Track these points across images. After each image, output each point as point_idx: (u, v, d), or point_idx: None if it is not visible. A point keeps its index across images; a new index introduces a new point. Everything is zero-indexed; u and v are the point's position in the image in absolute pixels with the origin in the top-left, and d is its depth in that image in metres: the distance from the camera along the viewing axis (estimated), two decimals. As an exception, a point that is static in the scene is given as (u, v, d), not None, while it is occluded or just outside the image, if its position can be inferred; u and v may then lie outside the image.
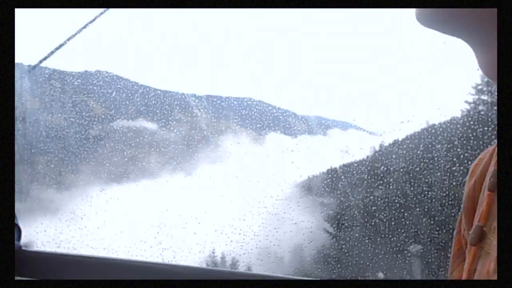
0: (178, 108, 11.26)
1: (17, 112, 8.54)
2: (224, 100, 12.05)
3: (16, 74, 9.18)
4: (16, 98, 9.10)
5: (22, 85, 8.81)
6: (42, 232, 7.61)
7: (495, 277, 0.46)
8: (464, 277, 0.56)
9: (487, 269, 0.49)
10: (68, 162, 8.58)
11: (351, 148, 8.59)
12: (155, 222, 7.96)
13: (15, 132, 8.20)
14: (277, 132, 10.53)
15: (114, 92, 9.63)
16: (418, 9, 0.56)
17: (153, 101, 11.17)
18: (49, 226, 7.80)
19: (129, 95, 10.71)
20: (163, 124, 10.78)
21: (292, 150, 9.30)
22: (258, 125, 10.43)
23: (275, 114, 10.71)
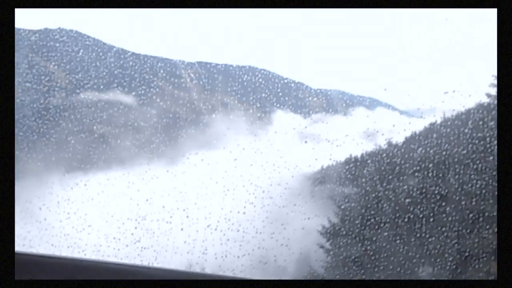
0: (162, 76, 11.16)
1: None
2: (220, 68, 11.96)
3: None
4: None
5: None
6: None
7: None
8: None
9: None
10: (22, 138, 8.51)
11: (380, 128, 8.55)
12: (132, 215, 7.88)
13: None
14: (286, 109, 10.49)
15: (81, 52, 9.54)
16: None
17: (130, 67, 11.07)
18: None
19: (100, 58, 10.61)
20: (142, 96, 10.69)
21: (304, 129, 9.27)
22: (262, 100, 10.36)
23: (284, 87, 10.64)
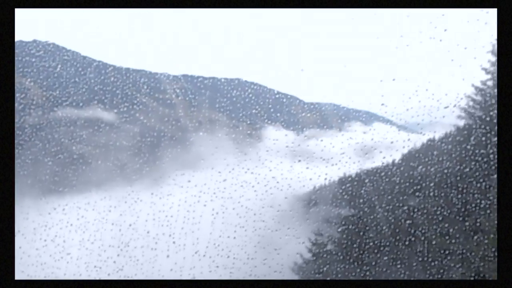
0: (145, 91, 11.15)
1: None
2: (207, 83, 12.00)
3: None
4: None
5: None
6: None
7: None
8: None
9: None
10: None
11: (377, 145, 8.57)
12: (115, 241, 7.84)
13: None
14: (277, 126, 10.50)
15: (59, 67, 9.54)
16: None
17: (111, 83, 11.04)
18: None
19: (79, 73, 10.60)
20: (124, 113, 10.67)
21: (297, 147, 9.29)
22: (252, 116, 10.37)
23: (275, 102, 10.67)
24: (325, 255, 7.66)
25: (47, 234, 7.56)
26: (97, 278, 7.51)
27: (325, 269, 7.20)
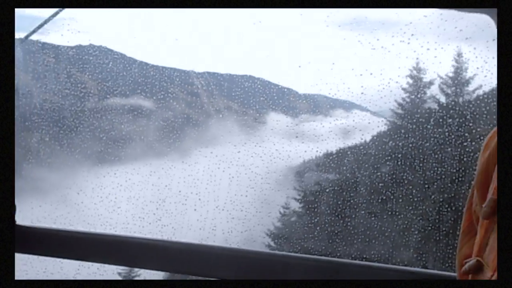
0: (176, 84, 11.10)
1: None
2: (223, 77, 11.91)
3: (18, 50, 9.02)
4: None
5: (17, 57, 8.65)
6: (37, 207, 7.54)
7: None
8: (474, 251, 0.56)
9: None
10: (63, 136, 8.47)
11: (356, 125, 8.54)
12: (154, 198, 7.90)
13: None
14: (278, 111, 10.44)
15: (110, 64, 9.48)
16: None
17: (150, 77, 11.00)
18: (44, 201, 7.73)
19: (125, 70, 10.54)
20: (161, 100, 10.64)
21: (295, 127, 9.25)
22: (259, 103, 10.32)
23: (277, 92, 10.60)
24: (313, 208, 7.63)
25: (103, 193, 7.55)
26: (141, 226, 7.52)
27: (316, 219, 7.19)
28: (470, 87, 6.10)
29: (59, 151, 8.60)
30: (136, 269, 8.31)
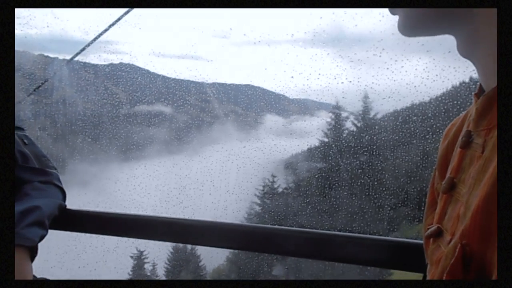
0: (191, 93, 11.01)
1: (57, 95, 8.25)
2: (229, 87, 11.84)
3: (54, 66, 8.86)
4: (56, 83, 8.80)
5: (61, 74, 8.51)
6: (83, 195, 7.42)
7: (464, 221, 0.42)
8: (435, 219, 0.52)
9: (457, 212, 0.46)
10: (102, 137, 8.34)
11: (339, 124, 8.47)
12: (177, 185, 7.80)
13: (57, 112, 7.90)
14: (273, 113, 10.37)
15: (138, 79, 9.37)
16: (400, 21, 0.50)
17: (171, 88, 10.90)
18: (88, 190, 7.60)
19: (150, 83, 10.43)
20: (179, 107, 10.54)
21: (288, 126, 9.17)
22: (259, 107, 10.25)
23: (272, 98, 10.52)
24: (304, 191, 7.53)
25: (135, 182, 7.43)
26: (167, 208, 7.38)
27: (307, 200, 7.08)
28: (431, 91, 6.03)
29: (99, 149, 8.47)
30: (145, 253, 8.15)
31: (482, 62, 0.47)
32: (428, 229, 0.51)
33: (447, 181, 0.49)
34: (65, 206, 1.34)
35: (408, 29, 0.50)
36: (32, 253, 1.10)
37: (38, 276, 1.36)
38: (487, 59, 0.45)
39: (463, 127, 0.55)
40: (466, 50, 0.48)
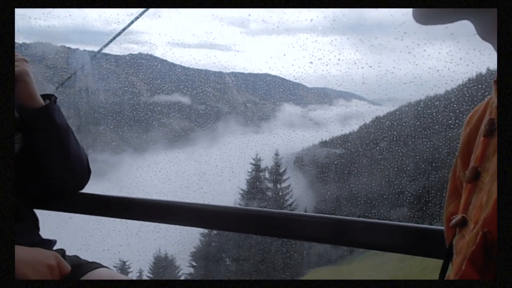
0: (209, 83, 11.02)
1: (81, 84, 8.41)
2: (246, 76, 11.80)
3: (77, 57, 9.01)
4: (79, 72, 8.96)
5: (84, 64, 8.66)
6: (106, 180, 7.61)
7: (486, 209, 0.40)
8: (460, 209, 0.49)
9: (480, 201, 0.43)
10: (123, 124, 8.49)
11: (358, 111, 8.34)
12: (197, 171, 7.89)
13: (80, 101, 8.06)
14: (290, 102, 10.29)
15: (159, 67, 9.44)
16: (415, 10, 0.46)
17: (188, 77, 10.95)
18: (111, 175, 7.78)
19: (169, 71, 10.49)
20: (195, 96, 10.59)
21: (304, 115, 9.10)
22: (276, 96, 10.19)
23: (289, 87, 10.41)
24: (323, 177, 7.48)
25: (156, 168, 7.56)
26: (187, 194, 7.47)
27: (326, 186, 7.04)
28: (454, 75, 5.83)
29: (120, 136, 8.62)
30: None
31: None
32: (453, 218, 0.50)
33: (471, 170, 0.48)
34: (90, 171, 1.38)
35: (424, 16, 0.48)
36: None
37: (71, 254, 1.41)
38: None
39: (485, 114, 0.53)
40: (488, 33, 0.45)
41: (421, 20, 0.49)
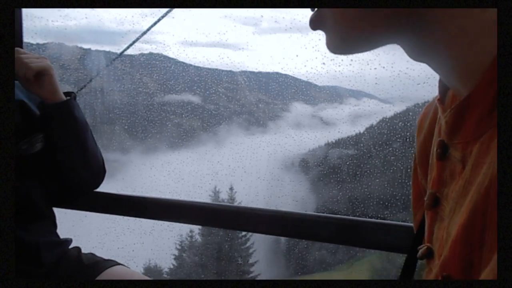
0: (224, 81, 11.06)
1: (96, 84, 8.53)
2: (256, 75, 11.78)
3: (92, 57, 9.14)
4: (94, 73, 9.09)
5: (99, 65, 8.78)
6: (121, 180, 7.70)
7: (445, 248, 0.38)
8: (425, 238, 0.48)
9: (442, 234, 0.41)
10: (138, 124, 8.58)
11: (370, 111, 8.25)
12: (209, 171, 7.93)
13: (95, 101, 8.18)
14: (300, 101, 10.25)
15: (172, 68, 9.50)
16: (329, 38, 0.42)
17: (200, 77, 11.00)
18: (125, 175, 7.87)
19: (184, 70, 10.55)
20: (207, 96, 10.63)
21: (314, 114, 9.06)
22: (286, 95, 10.15)
23: (299, 86, 10.36)
24: (336, 178, 7.43)
25: (169, 167, 7.63)
26: (200, 193, 7.50)
27: (338, 186, 6.99)
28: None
29: (135, 135, 8.72)
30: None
31: (443, 63, 0.40)
32: (419, 249, 0.47)
33: (429, 197, 0.45)
34: (105, 170, 1.40)
35: (338, 45, 0.42)
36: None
37: (86, 251, 1.43)
38: (449, 59, 0.39)
39: (436, 118, 0.49)
40: (420, 55, 0.41)
41: (336, 50, 0.43)
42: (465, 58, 0.38)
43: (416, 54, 0.41)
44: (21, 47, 1.41)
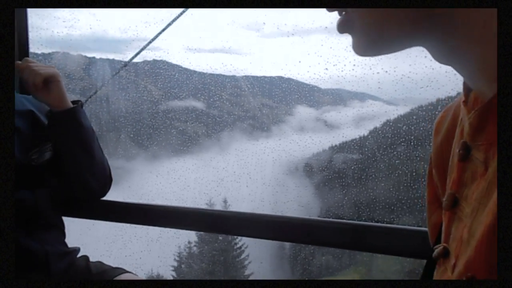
0: (228, 87, 11.09)
1: (101, 94, 8.60)
2: (265, 79, 11.81)
3: (97, 66, 9.22)
4: (99, 83, 9.17)
5: (104, 73, 8.86)
6: (127, 188, 7.74)
7: (468, 249, 0.38)
8: (442, 238, 0.47)
9: (461, 234, 0.41)
10: (143, 132, 8.62)
11: (374, 114, 8.23)
12: (215, 178, 7.95)
13: (101, 110, 8.25)
14: (304, 105, 10.24)
15: (176, 75, 9.56)
16: (355, 40, 0.42)
17: (205, 83, 11.05)
18: (131, 183, 7.91)
19: (186, 78, 10.61)
20: (210, 102, 10.67)
21: (318, 117, 9.04)
22: (290, 100, 10.16)
23: (303, 89, 10.36)
24: (341, 183, 7.40)
25: (175, 175, 7.65)
26: (206, 200, 7.49)
27: (344, 191, 6.97)
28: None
29: (140, 143, 8.78)
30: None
31: (468, 64, 0.40)
32: (435, 248, 0.47)
33: (448, 197, 0.44)
34: (111, 178, 1.42)
35: (366, 48, 0.42)
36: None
37: (94, 260, 1.45)
38: (474, 61, 0.39)
39: (456, 121, 0.49)
40: (446, 57, 0.42)
41: (364, 52, 0.43)
42: (490, 60, 0.38)
43: (442, 55, 0.42)
44: (28, 57, 1.44)
